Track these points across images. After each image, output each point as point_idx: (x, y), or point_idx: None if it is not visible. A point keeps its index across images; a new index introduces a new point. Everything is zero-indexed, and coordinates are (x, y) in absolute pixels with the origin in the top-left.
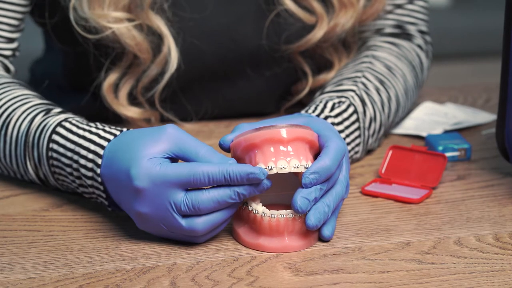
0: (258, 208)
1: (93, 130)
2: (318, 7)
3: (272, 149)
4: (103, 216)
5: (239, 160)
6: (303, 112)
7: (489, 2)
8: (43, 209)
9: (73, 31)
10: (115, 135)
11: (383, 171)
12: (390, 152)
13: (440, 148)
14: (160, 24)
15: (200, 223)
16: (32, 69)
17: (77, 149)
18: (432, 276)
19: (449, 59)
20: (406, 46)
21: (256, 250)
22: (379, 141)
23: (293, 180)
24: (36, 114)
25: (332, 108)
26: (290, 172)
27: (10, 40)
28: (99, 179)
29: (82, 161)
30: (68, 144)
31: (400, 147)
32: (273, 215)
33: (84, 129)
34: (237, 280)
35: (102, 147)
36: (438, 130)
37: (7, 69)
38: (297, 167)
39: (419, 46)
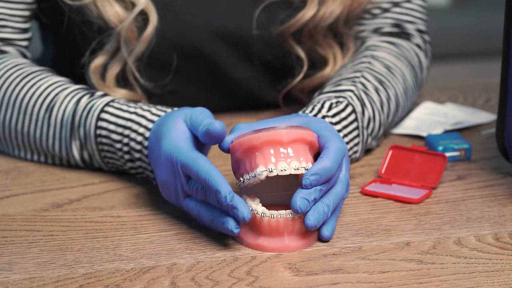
0: (258, 208)
1: (145, 107)
2: None
3: (272, 151)
4: (103, 216)
5: (239, 161)
6: (300, 112)
7: (489, 2)
8: (43, 209)
9: (59, 9)
10: (165, 111)
11: (383, 171)
12: (390, 152)
13: (440, 148)
14: None
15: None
16: None
17: (129, 124)
18: (432, 276)
19: (449, 59)
20: (405, 46)
21: (256, 250)
22: (378, 141)
23: (293, 180)
24: (81, 97)
25: (330, 108)
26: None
27: (25, 31)
28: (146, 152)
29: (133, 135)
30: (120, 121)
31: (400, 147)
32: (272, 215)
33: (135, 107)
34: (237, 280)
35: (152, 121)
36: (438, 130)
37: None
38: (297, 169)
39: (418, 46)
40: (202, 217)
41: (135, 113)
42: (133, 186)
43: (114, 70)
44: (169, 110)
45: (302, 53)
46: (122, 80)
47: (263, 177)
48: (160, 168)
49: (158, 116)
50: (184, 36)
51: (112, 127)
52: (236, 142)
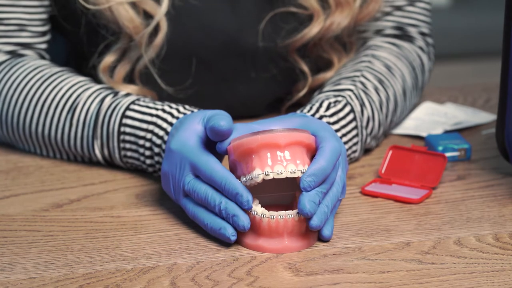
0: (257, 209)
1: (173, 105)
2: (314, 3)
3: (268, 154)
4: (103, 216)
5: (236, 163)
6: (298, 112)
7: (489, 2)
8: (43, 209)
9: (73, 15)
10: (192, 111)
11: (383, 171)
12: (390, 152)
13: (440, 148)
14: (155, 6)
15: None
16: None
17: (154, 119)
18: (432, 276)
19: (449, 59)
20: (407, 47)
21: (256, 251)
22: (378, 141)
23: (290, 182)
24: (104, 96)
25: (328, 108)
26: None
27: (44, 34)
28: (164, 147)
29: (156, 130)
30: (146, 117)
31: (400, 147)
32: (272, 216)
33: (162, 105)
34: (237, 280)
35: (178, 118)
36: (438, 130)
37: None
38: (294, 172)
39: (421, 48)
40: (197, 219)
41: (163, 109)
42: (133, 186)
43: (122, 72)
44: (195, 110)
45: (305, 68)
46: (129, 83)
47: (259, 180)
48: (167, 159)
49: (184, 114)
50: (189, 46)
51: (137, 123)
52: (233, 144)
